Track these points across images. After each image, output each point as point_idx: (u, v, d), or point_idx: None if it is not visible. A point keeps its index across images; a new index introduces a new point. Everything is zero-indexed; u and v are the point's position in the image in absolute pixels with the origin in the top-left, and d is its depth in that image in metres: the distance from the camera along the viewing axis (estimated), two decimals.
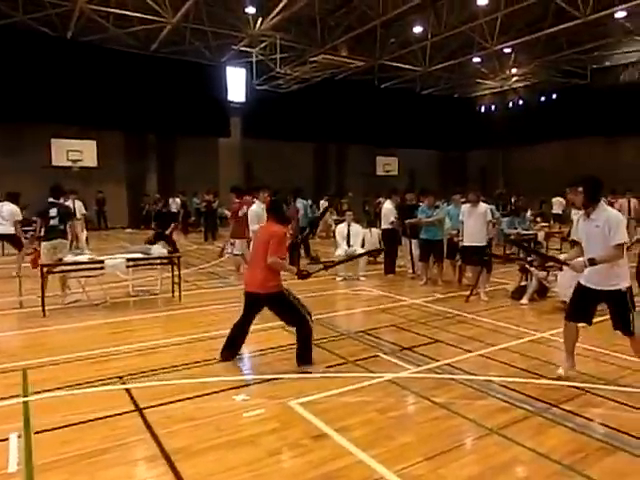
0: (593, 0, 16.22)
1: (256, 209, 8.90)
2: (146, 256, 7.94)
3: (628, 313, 4.29)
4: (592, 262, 4.20)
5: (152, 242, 10.67)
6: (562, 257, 4.99)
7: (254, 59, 23.16)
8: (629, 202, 14.71)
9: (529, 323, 6.70)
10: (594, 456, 3.29)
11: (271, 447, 3.40)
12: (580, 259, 4.40)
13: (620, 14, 18.31)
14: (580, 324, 4.59)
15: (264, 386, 4.48)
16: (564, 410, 3.98)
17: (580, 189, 4.34)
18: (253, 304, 4.95)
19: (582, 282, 4.49)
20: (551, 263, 5.47)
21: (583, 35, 20.71)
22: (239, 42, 21.12)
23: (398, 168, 30.22)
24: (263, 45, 21.89)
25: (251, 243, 5.11)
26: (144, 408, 3.99)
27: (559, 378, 4.57)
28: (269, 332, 6.24)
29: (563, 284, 7.10)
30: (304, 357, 4.85)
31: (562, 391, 4.36)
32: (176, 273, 7.99)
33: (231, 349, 5.11)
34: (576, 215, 4.66)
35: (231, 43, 21.57)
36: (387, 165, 30.07)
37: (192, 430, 3.64)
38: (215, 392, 4.27)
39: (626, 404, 4.09)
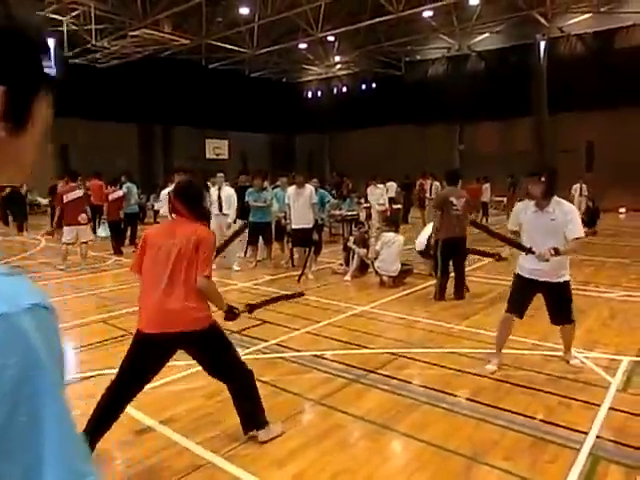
0: None
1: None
2: None
3: (570, 303, 4.30)
4: (557, 252, 3.99)
5: None
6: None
7: (65, 28, 20.84)
8: (432, 184, 16.41)
9: (351, 298, 7.17)
10: (403, 412, 3.65)
11: None
12: (544, 248, 4.08)
13: (427, 13, 20.35)
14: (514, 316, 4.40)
15: (82, 385, 4.12)
16: (380, 374, 4.34)
17: (543, 179, 4.08)
18: (163, 353, 3.09)
19: (523, 274, 4.31)
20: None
21: (397, 30, 22.57)
22: (46, 8, 18.83)
23: (229, 151, 29.93)
24: (75, 14, 19.82)
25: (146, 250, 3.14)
26: None
27: (492, 373, 4.32)
28: (91, 326, 5.83)
29: (385, 260, 7.82)
30: (258, 418, 3.25)
31: (379, 358, 4.75)
32: None
33: (103, 432, 2.98)
34: (522, 205, 4.41)
35: (36, 8, 19.14)
36: (217, 148, 29.59)
37: None
38: None
39: (432, 363, 4.60)
